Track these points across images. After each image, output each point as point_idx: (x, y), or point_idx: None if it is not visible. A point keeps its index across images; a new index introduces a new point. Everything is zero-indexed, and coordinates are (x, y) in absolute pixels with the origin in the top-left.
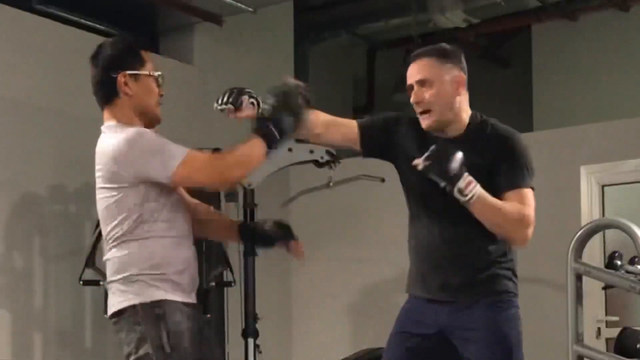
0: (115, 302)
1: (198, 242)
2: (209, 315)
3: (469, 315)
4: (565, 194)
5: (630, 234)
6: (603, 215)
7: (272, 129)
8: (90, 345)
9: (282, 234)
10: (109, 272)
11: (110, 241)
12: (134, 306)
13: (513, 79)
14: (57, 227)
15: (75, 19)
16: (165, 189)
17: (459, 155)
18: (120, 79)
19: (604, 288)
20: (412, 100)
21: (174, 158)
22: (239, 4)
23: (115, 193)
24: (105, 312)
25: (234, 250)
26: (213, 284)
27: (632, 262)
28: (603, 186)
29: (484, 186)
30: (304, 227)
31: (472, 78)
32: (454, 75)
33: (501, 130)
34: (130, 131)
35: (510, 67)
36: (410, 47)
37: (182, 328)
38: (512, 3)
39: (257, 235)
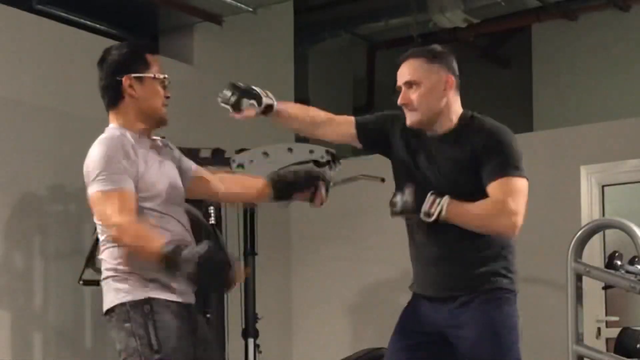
0: (108, 300)
1: (198, 243)
2: (208, 315)
3: (463, 314)
4: (565, 194)
5: (630, 234)
6: (603, 215)
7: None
8: (90, 345)
9: (306, 181)
10: (102, 270)
11: (104, 241)
12: (123, 304)
13: (513, 79)
14: (57, 227)
15: (75, 19)
16: (150, 194)
17: (409, 185)
18: (125, 81)
19: (604, 288)
20: (399, 101)
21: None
22: (239, 4)
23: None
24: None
25: (235, 251)
26: None
27: (632, 262)
28: (603, 186)
29: (466, 184)
30: (303, 227)
31: (472, 78)
32: (442, 76)
33: (487, 125)
34: (101, 138)
35: (510, 67)
36: (410, 47)
37: (170, 326)
38: (512, 3)
39: (287, 186)
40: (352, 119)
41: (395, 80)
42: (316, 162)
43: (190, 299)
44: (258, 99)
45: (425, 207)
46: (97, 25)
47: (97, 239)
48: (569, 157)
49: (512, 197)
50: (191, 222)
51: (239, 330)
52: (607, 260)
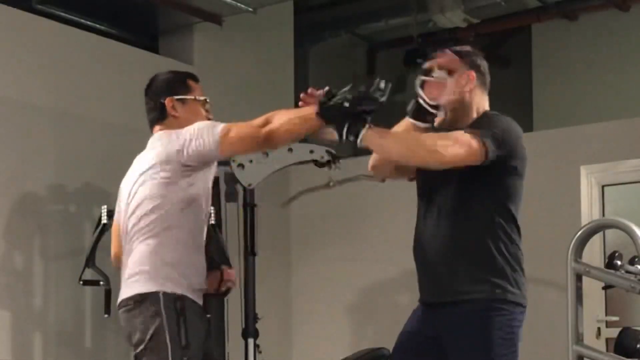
0: (136, 288)
1: None
2: (209, 315)
3: (455, 321)
4: (565, 194)
5: (630, 234)
6: (603, 215)
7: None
8: (90, 345)
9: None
10: (133, 261)
11: (141, 231)
12: (156, 294)
13: (513, 78)
14: (57, 227)
15: (75, 18)
16: (191, 202)
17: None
18: (168, 103)
19: (604, 288)
20: (426, 96)
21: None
22: (239, 4)
23: (159, 179)
24: (106, 312)
25: (234, 251)
26: None
27: (632, 262)
28: (603, 186)
29: (471, 183)
30: (304, 227)
31: None
32: (465, 73)
33: (490, 115)
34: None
35: (511, 67)
36: (410, 47)
37: (196, 327)
38: (512, 3)
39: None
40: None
41: (395, 80)
42: (316, 162)
43: (201, 301)
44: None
45: (344, 130)
46: (97, 25)
47: (97, 239)
48: (569, 157)
49: (453, 139)
50: None
51: (239, 330)
52: (607, 260)
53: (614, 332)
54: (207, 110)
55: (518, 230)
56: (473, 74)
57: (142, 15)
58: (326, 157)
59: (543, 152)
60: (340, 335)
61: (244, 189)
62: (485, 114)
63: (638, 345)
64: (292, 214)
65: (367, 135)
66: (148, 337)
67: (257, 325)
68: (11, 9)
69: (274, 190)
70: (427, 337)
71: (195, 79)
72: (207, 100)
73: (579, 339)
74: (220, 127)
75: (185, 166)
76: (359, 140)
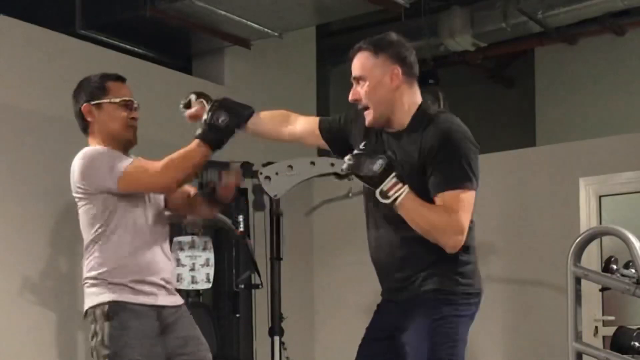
0: (85, 304)
1: (228, 250)
2: (238, 315)
3: (406, 317)
4: (565, 204)
5: (625, 241)
6: (600, 223)
7: (210, 132)
8: None
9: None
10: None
11: (84, 247)
12: (91, 307)
13: (517, 98)
14: None
15: (116, 42)
16: (123, 200)
17: (382, 156)
18: (85, 109)
19: (601, 290)
20: (349, 98)
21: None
22: (266, 29)
23: (82, 204)
24: None
25: (261, 256)
26: (242, 286)
27: (626, 266)
28: (600, 196)
29: (418, 186)
30: (326, 233)
31: (480, 97)
32: (388, 69)
33: (440, 123)
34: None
35: (515, 87)
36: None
37: (126, 325)
38: (517, 28)
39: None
40: (317, 118)
41: None
42: (337, 175)
43: (163, 301)
44: (206, 97)
45: (385, 186)
46: (136, 49)
47: None
48: (569, 170)
49: (465, 214)
50: (222, 230)
51: (266, 329)
52: (604, 264)
53: (610, 331)
54: (131, 110)
55: (472, 219)
56: (398, 69)
57: (177, 40)
58: (346, 170)
59: (545, 165)
60: (358, 334)
61: (271, 199)
62: (422, 111)
63: (632, 343)
64: (314, 222)
65: (404, 202)
66: (91, 344)
67: (283, 324)
68: (56, 34)
69: (298, 200)
70: (383, 338)
71: (116, 79)
72: (128, 99)
73: (578, 337)
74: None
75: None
76: (398, 202)
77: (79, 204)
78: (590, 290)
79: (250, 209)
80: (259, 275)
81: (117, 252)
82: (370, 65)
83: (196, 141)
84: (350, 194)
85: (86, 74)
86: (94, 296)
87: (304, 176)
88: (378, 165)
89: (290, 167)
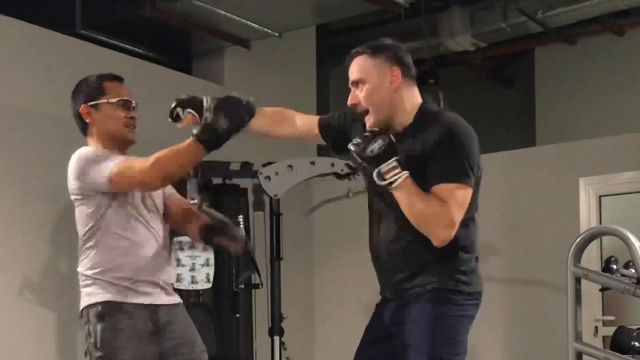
0: (80, 304)
1: (227, 250)
2: (238, 315)
3: (406, 317)
4: (565, 204)
5: (625, 241)
6: (600, 223)
7: (207, 134)
8: None
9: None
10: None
11: (79, 247)
12: (86, 307)
13: (517, 98)
14: None
15: (115, 42)
16: (116, 199)
17: (386, 139)
18: (83, 110)
19: (601, 290)
20: (348, 102)
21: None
22: (266, 29)
23: (77, 204)
24: None
25: (261, 256)
26: (242, 286)
27: (626, 266)
28: (600, 196)
29: (421, 183)
30: (325, 233)
31: (480, 97)
32: (386, 70)
33: (445, 119)
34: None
35: (515, 87)
36: (422, 69)
37: (119, 326)
38: (517, 28)
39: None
40: (316, 118)
41: None
42: (336, 174)
43: (158, 300)
44: (197, 108)
45: (383, 167)
46: (136, 49)
47: None
48: (569, 170)
49: (458, 209)
50: None
51: (266, 329)
52: (603, 264)
53: (610, 331)
54: (129, 109)
55: (471, 214)
56: (397, 70)
57: (177, 40)
58: (345, 170)
59: (545, 165)
60: (358, 334)
61: (270, 199)
62: (425, 110)
63: (632, 343)
64: (314, 222)
65: (401, 186)
66: (86, 345)
67: (283, 324)
68: (56, 34)
69: (298, 200)
70: (383, 331)
71: (113, 78)
72: (126, 99)
73: (578, 336)
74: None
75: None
76: (394, 185)
77: (75, 204)
78: (590, 290)
79: (250, 209)
80: (259, 275)
81: (111, 251)
82: (369, 67)
83: (190, 140)
84: (350, 194)
85: (86, 74)
86: (88, 296)
87: (304, 176)
88: (378, 145)
89: (290, 167)
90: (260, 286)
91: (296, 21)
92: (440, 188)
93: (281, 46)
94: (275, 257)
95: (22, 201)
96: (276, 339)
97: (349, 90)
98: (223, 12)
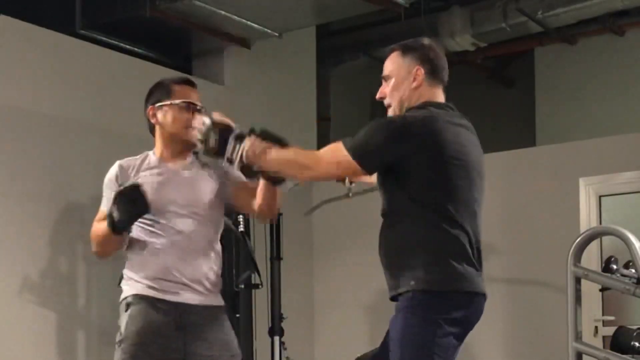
0: None
1: (228, 250)
2: (238, 315)
3: (393, 319)
4: (565, 204)
5: (625, 241)
6: (600, 223)
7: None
8: None
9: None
10: None
11: None
12: (120, 301)
13: (517, 98)
14: None
15: (115, 42)
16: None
17: (216, 134)
18: (149, 111)
19: (601, 290)
20: (376, 96)
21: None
22: (266, 29)
23: None
24: None
25: (261, 255)
26: (242, 286)
27: (626, 266)
28: (600, 196)
29: (389, 184)
30: (325, 234)
31: (480, 97)
32: (412, 69)
33: (406, 113)
34: None
35: (515, 87)
36: None
37: (140, 314)
38: (517, 28)
39: None
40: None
41: None
42: None
43: (186, 299)
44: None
45: (227, 153)
46: (136, 49)
47: None
48: (569, 170)
49: (327, 158)
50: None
51: (266, 329)
52: (603, 264)
53: (610, 331)
54: (193, 113)
55: (449, 214)
56: (421, 70)
57: (177, 40)
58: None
59: (545, 165)
60: (358, 334)
61: None
62: (415, 107)
63: (632, 343)
64: (314, 222)
65: (250, 157)
66: None
67: (283, 324)
68: (56, 34)
69: (298, 201)
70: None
71: (183, 82)
72: (190, 102)
73: (578, 336)
74: None
75: None
76: (245, 158)
77: None
78: (590, 290)
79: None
80: (259, 275)
81: (141, 252)
82: (397, 64)
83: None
84: (350, 194)
85: (86, 74)
86: (122, 293)
87: None
88: (214, 138)
89: None
90: (260, 286)
91: (296, 21)
92: (330, 145)
93: (281, 46)
94: (275, 257)
95: (22, 201)
96: (276, 339)
97: (349, 90)
98: (223, 12)
